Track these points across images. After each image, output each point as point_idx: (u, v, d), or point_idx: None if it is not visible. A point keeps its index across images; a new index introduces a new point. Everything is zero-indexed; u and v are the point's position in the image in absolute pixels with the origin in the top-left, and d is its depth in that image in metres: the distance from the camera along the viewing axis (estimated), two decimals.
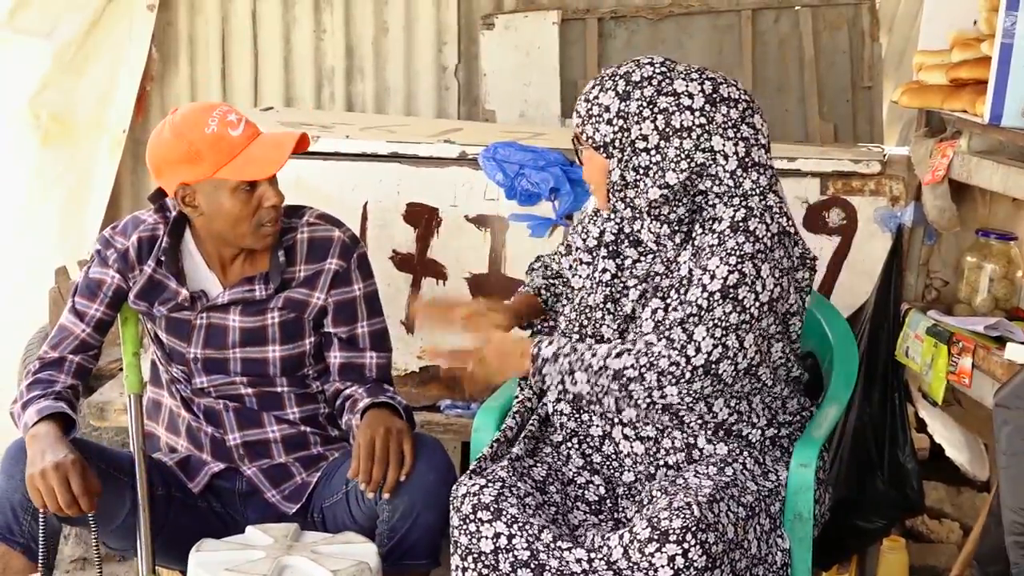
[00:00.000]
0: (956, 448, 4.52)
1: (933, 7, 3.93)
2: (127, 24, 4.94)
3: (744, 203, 2.82)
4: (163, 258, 3.16)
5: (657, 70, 2.87)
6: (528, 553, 2.74)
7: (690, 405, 2.77)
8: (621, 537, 2.69)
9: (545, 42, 5.04)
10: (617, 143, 2.86)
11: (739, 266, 2.76)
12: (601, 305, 2.95)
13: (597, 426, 2.97)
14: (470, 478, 2.86)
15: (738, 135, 2.84)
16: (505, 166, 3.99)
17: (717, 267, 2.76)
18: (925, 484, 3.79)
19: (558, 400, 3.02)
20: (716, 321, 2.73)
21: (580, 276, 3.02)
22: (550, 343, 2.86)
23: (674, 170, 2.82)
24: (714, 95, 2.84)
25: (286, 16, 5.15)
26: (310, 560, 2.81)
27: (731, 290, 2.74)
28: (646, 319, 2.86)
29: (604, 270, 2.97)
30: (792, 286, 2.86)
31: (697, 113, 2.82)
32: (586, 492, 2.97)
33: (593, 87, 2.90)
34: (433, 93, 5.18)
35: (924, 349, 3.49)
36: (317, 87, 5.18)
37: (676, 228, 2.88)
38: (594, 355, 2.79)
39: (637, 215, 2.89)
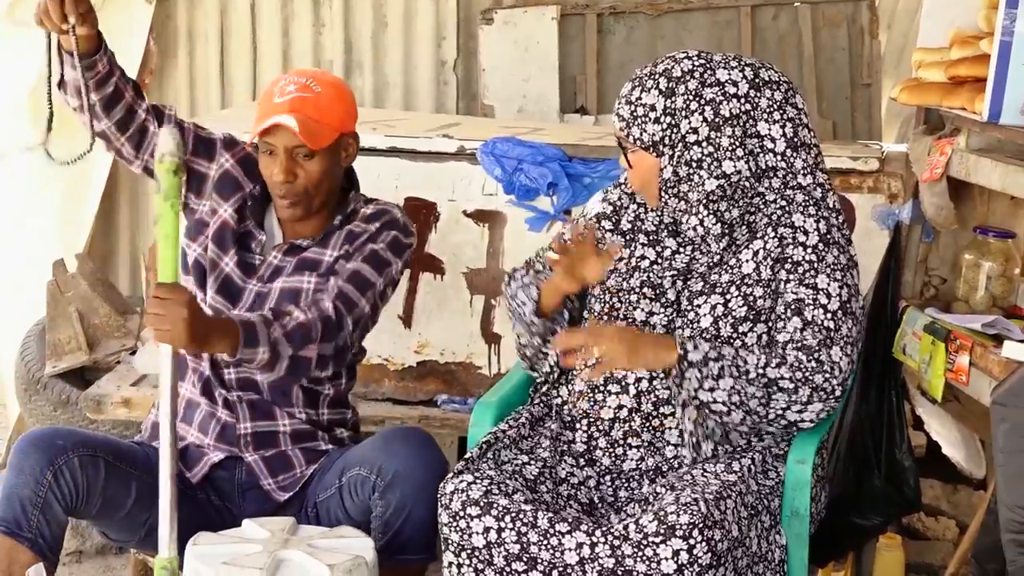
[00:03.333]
0: (953, 446, 4.52)
1: (932, 4, 3.92)
2: (126, 17, 4.93)
3: (820, 213, 2.89)
4: (251, 201, 3.27)
5: (696, 63, 2.90)
6: (518, 546, 2.73)
7: (812, 421, 2.86)
8: (626, 527, 2.68)
9: (544, 37, 5.04)
10: (667, 140, 2.88)
11: (845, 279, 2.87)
12: (637, 289, 2.97)
13: (609, 407, 2.97)
14: (457, 476, 2.86)
15: (784, 116, 2.89)
16: (504, 161, 4.00)
17: (829, 285, 2.85)
18: (922, 482, 3.78)
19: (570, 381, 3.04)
20: (845, 338, 2.85)
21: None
22: (695, 347, 2.84)
23: (730, 158, 2.85)
24: (756, 80, 2.89)
25: (285, 10, 5.15)
26: (306, 554, 2.80)
27: (847, 305, 2.86)
28: (705, 314, 2.89)
29: (643, 256, 3.00)
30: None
31: (743, 100, 2.86)
32: (579, 492, 2.96)
33: (633, 89, 2.91)
34: (432, 88, 5.18)
35: (922, 347, 3.49)
36: None
37: (726, 230, 2.90)
38: (746, 363, 2.83)
39: (688, 209, 2.90)
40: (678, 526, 2.63)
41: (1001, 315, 3.47)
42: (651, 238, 3.01)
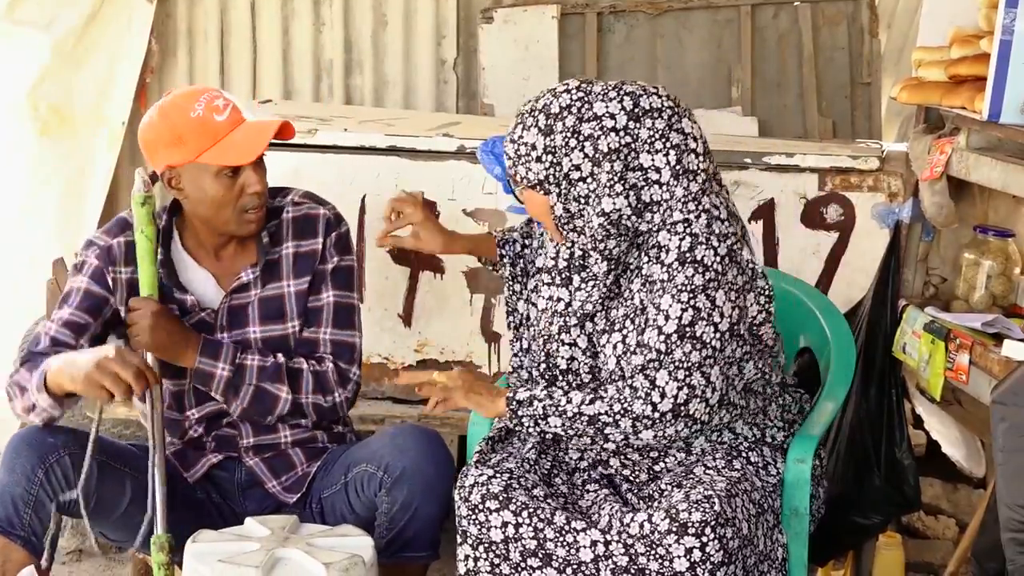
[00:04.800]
0: (952, 445, 4.52)
1: (932, 3, 3.92)
2: (126, 16, 4.93)
3: (688, 229, 2.75)
4: (162, 269, 3.15)
5: (575, 96, 2.79)
6: (535, 542, 2.74)
7: (667, 445, 2.80)
8: (641, 525, 2.69)
9: (544, 36, 5.04)
10: (551, 178, 2.80)
11: (692, 302, 2.71)
12: (556, 336, 2.94)
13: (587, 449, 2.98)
14: (477, 468, 2.86)
15: (667, 145, 2.76)
16: (503, 160, 3.99)
17: (671, 306, 2.71)
18: (921, 480, 3.79)
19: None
20: (677, 363, 2.70)
21: (543, 298, 2.99)
22: (526, 389, 2.84)
23: (609, 195, 2.75)
24: (636, 110, 2.76)
25: (285, 9, 5.15)
26: (304, 552, 2.80)
27: (687, 328, 2.70)
28: (609, 355, 2.84)
29: (558, 299, 2.95)
30: (752, 301, 2.83)
31: (622, 133, 2.75)
32: (592, 473, 2.97)
33: (516, 126, 2.85)
34: (432, 87, 5.18)
35: (922, 345, 3.49)
36: (316, 80, 5.18)
37: (612, 266, 2.85)
38: (569, 401, 2.78)
39: (588, 243, 2.84)
40: (690, 524, 2.64)
41: (1001, 314, 3.47)
42: (563, 277, 2.96)
